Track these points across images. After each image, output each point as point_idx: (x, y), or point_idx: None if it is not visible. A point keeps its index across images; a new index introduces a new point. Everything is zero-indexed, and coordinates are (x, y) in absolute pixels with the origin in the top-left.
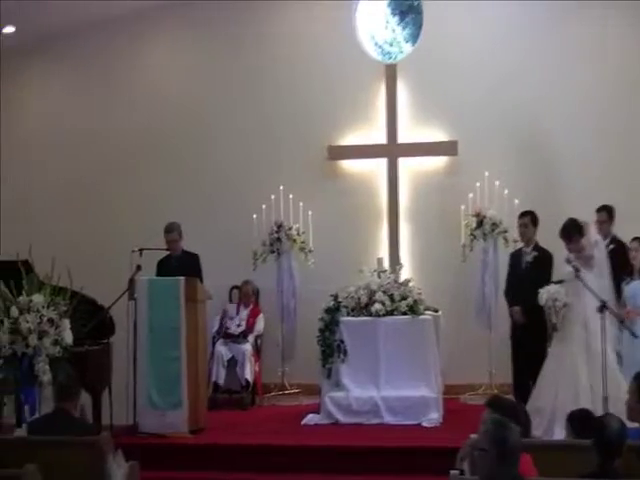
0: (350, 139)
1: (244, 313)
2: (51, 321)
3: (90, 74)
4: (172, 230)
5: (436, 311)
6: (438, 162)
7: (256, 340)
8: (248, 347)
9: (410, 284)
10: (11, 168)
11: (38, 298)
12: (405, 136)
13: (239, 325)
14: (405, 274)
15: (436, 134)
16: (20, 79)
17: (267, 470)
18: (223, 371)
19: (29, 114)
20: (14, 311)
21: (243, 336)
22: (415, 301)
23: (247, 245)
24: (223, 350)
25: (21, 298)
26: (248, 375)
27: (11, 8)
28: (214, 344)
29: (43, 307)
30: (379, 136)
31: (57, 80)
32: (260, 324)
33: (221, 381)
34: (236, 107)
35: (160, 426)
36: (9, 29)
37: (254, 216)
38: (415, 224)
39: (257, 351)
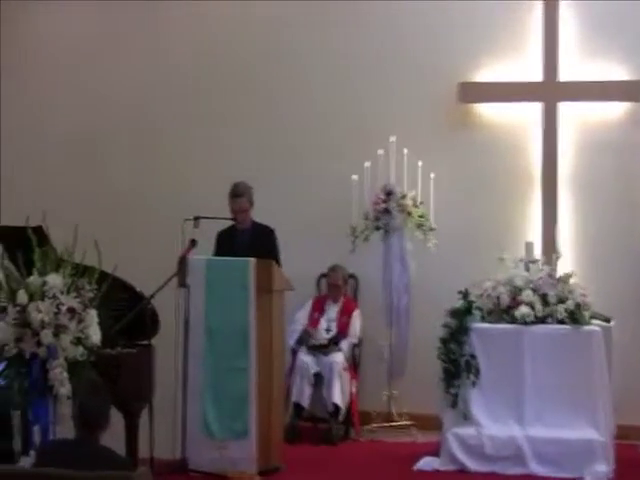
0: (491, 74)
1: (333, 311)
2: (72, 312)
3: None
4: (241, 194)
5: (607, 321)
6: (616, 110)
7: (353, 350)
8: (338, 358)
9: (571, 281)
10: (15, 111)
11: (55, 279)
12: (569, 73)
13: (328, 330)
14: (564, 266)
15: (613, 71)
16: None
17: None
18: (308, 389)
19: (54, 47)
20: (22, 296)
21: (334, 343)
22: (578, 305)
23: (343, 218)
24: (309, 360)
25: (32, 278)
26: (337, 398)
27: None
28: (295, 352)
29: (62, 292)
30: (532, 72)
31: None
32: (356, 324)
33: (305, 402)
34: (330, 35)
35: (219, 462)
36: None
37: (353, 177)
38: (581, 196)
39: (354, 365)
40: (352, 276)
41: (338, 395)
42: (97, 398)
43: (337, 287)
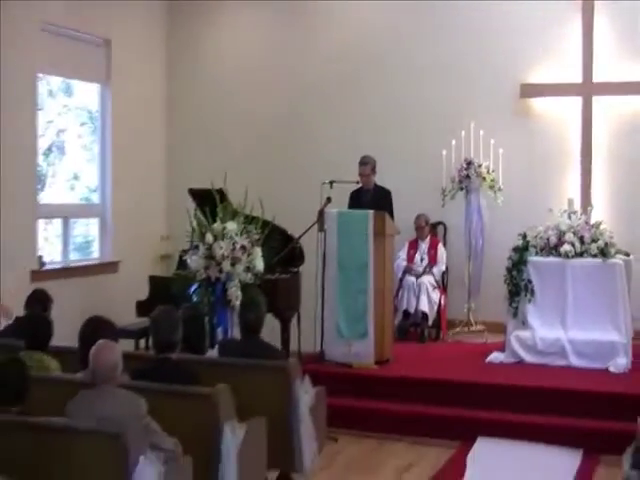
0: (543, 77)
1: (423, 246)
2: (244, 248)
3: (285, 11)
4: (366, 163)
5: (628, 255)
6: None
7: (442, 275)
8: (427, 279)
9: (601, 226)
10: (206, 100)
11: (232, 225)
12: (602, 74)
13: (422, 259)
14: (596, 216)
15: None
16: (213, 16)
17: (450, 405)
18: (414, 299)
19: (222, 47)
20: (209, 237)
21: (429, 269)
22: (606, 244)
23: (435, 181)
24: (413, 280)
25: (215, 225)
26: (424, 306)
27: None
28: (401, 279)
29: (236, 234)
30: (574, 74)
31: (250, 16)
32: (442, 254)
33: (411, 309)
34: (429, 42)
35: (346, 355)
36: None
37: (443, 152)
38: (609, 166)
39: (443, 286)
40: (442, 224)
41: (425, 305)
42: (258, 310)
43: (422, 228)
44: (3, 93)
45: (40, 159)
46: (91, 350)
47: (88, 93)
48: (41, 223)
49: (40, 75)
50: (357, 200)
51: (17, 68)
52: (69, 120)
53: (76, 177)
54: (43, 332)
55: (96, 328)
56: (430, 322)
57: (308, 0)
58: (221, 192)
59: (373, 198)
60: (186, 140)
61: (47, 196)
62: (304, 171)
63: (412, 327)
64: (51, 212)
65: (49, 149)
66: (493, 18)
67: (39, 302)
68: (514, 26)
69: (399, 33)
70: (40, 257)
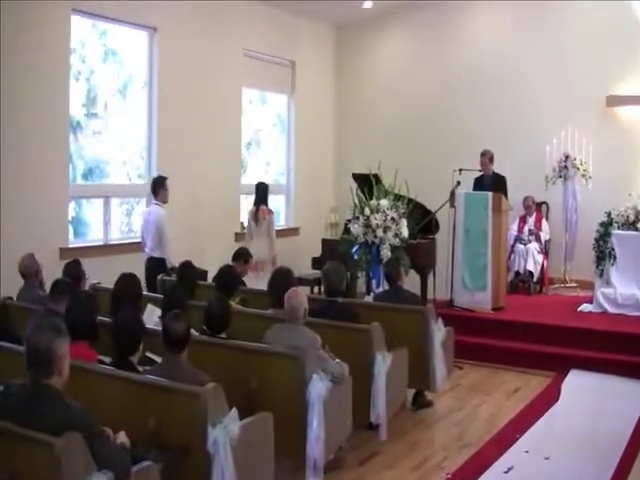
0: (625, 90)
1: (530, 220)
2: (393, 219)
3: (427, 32)
4: (485, 154)
5: None
6: None
7: (545, 243)
8: (532, 246)
9: None
10: (363, 106)
11: (384, 202)
12: None
13: (529, 230)
14: None
15: None
16: (369, 40)
17: (550, 343)
18: (522, 261)
19: (376, 64)
20: (367, 211)
21: (535, 238)
22: None
23: (540, 170)
24: (522, 247)
25: (372, 201)
26: (530, 266)
27: None
28: (513, 245)
29: (388, 209)
30: None
31: (396, 37)
32: (546, 227)
33: (521, 270)
34: (541, 62)
35: (470, 302)
36: (367, 4)
37: (547, 148)
38: None
39: (546, 251)
40: (545, 203)
41: (531, 266)
42: (398, 265)
43: (529, 206)
44: (217, 103)
45: (243, 150)
46: (285, 295)
47: (278, 102)
48: (242, 198)
49: (243, 88)
50: (479, 184)
51: (227, 84)
52: (264, 122)
53: (268, 164)
54: (231, 283)
55: (282, 276)
56: (535, 279)
57: (441, 18)
58: (376, 176)
59: (492, 182)
60: (349, 135)
61: (247, 178)
62: (439, 160)
63: (521, 283)
64: (250, 189)
65: (249, 143)
66: (586, 43)
67: (241, 257)
68: (602, 49)
69: (517, 52)
70: (242, 223)
